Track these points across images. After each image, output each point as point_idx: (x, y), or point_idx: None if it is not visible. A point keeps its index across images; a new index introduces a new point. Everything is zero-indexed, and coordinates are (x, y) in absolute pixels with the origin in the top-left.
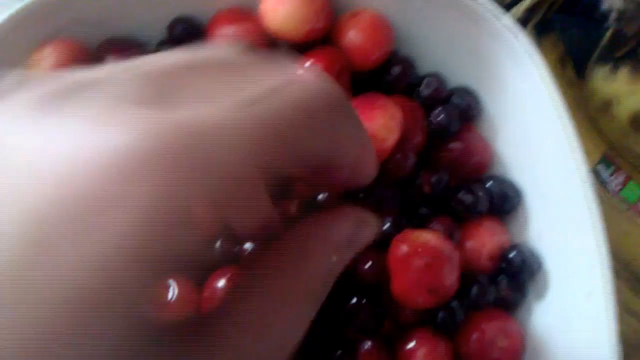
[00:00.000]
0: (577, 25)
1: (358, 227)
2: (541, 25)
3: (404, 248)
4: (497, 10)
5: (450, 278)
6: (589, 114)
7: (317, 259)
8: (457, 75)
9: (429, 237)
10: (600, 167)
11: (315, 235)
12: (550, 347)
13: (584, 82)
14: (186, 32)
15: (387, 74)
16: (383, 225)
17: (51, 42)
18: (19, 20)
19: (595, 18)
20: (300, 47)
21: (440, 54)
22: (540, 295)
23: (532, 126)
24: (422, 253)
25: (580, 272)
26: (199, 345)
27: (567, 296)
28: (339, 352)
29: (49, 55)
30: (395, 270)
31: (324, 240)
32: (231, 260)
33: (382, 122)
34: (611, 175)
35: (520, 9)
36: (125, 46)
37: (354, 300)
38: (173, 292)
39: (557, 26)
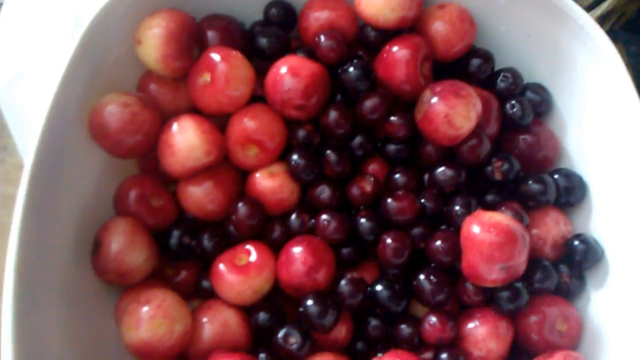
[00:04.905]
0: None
1: None
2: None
3: (477, 226)
4: (579, 10)
5: (521, 257)
6: None
7: None
8: (531, 71)
9: (501, 217)
10: None
11: None
12: (608, 336)
13: None
14: (281, 14)
15: (468, 65)
16: (454, 205)
17: (161, 12)
18: None
19: None
20: (388, 34)
21: (517, 49)
22: (600, 285)
23: (602, 122)
24: (496, 231)
25: None
26: None
27: (627, 288)
28: (403, 325)
29: (159, 22)
30: (468, 248)
31: None
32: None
33: (462, 109)
34: None
35: (593, 16)
36: (225, 23)
37: (422, 274)
38: (253, 255)
39: (622, 39)
